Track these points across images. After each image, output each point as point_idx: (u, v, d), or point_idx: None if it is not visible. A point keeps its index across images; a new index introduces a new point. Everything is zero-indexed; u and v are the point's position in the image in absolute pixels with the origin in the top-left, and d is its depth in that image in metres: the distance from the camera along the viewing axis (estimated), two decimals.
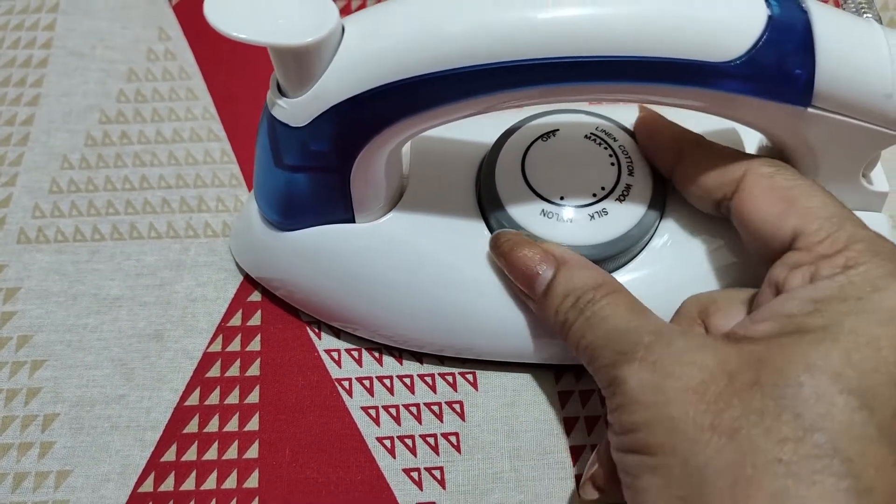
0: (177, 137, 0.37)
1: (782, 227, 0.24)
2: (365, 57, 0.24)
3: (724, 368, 0.21)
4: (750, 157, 0.26)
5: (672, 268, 0.29)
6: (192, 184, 0.36)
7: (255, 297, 0.33)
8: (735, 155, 0.26)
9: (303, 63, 0.24)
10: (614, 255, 0.28)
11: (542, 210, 0.28)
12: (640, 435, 0.22)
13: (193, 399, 0.30)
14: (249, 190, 0.36)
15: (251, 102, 0.38)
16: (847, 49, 0.23)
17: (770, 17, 0.23)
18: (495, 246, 0.28)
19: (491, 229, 0.29)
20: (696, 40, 0.23)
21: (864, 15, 0.30)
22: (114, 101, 0.38)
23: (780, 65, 0.23)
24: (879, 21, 0.30)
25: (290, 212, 0.29)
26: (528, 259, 0.26)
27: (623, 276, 0.28)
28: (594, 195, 0.28)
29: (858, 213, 0.28)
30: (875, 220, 0.28)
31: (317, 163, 0.27)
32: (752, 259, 0.27)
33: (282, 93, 0.25)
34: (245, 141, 0.37)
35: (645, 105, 0.29)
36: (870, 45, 0.24)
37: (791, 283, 0.23)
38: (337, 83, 0.24)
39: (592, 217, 0.28)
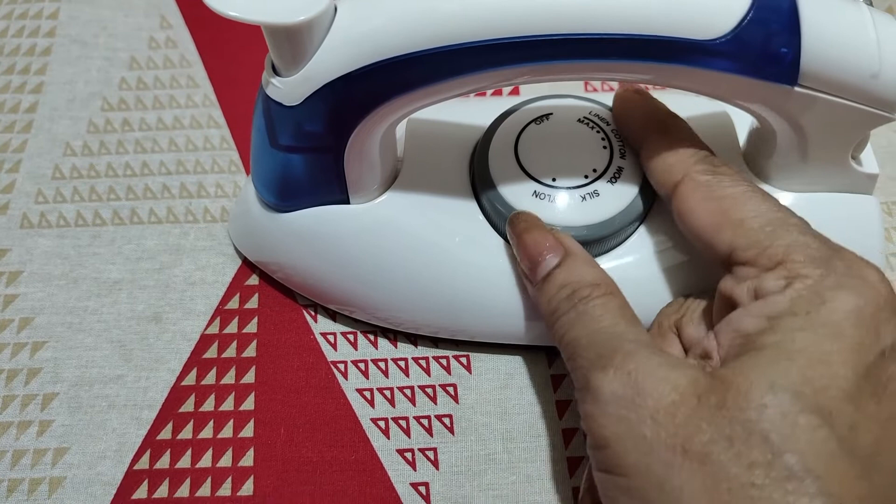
0: (177, 124, 0.38)
1: (717, 241, 0.24)
2: (357, 35, 0.24)
3: (693, 390, 0.21)
4: (696, 155, 0.26)
5: (661, 252, 0.29)
6: (192, 170, 0.37)
7: (253, 280, 0.34)
8: (683, 152, 0.26)
9: (295, 42, 0.24)
10: (605, 236, 0.28)
11: (535, 191, 0.29)
12: (610, 452, 0.22)
13: (190, 379, 0.31)
14: (248, 176, 0.36)
15: (251, 90, 0.38)
16: (833, 28, 0.24)
17: None
18: (512, 224, 0.28)
19: (483, 210, 0.30)
20: (682, 18, 0.23)
21: None
22: (116, 89, 0.39)
23: (765, 43, 0.23)
24: (869, 2, 0.30)
25: (285, 193, 0.30)
26: (537, 243, 0.27)
27: (611, 261, 0.29)
28: (586, 177, 0.29)
29: (849, 196, 0.28)
30: (865, 203, 0.28)
31: (311, 143, 0.27)
32: None
33: (276, 72, 0.26)
34: (244, 128, 0.38)
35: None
36: (856, 24, 0.24)
37: (740, 297, 0.23)
38: (329, 61, 0.25)
39: (584, 198, 0.28)
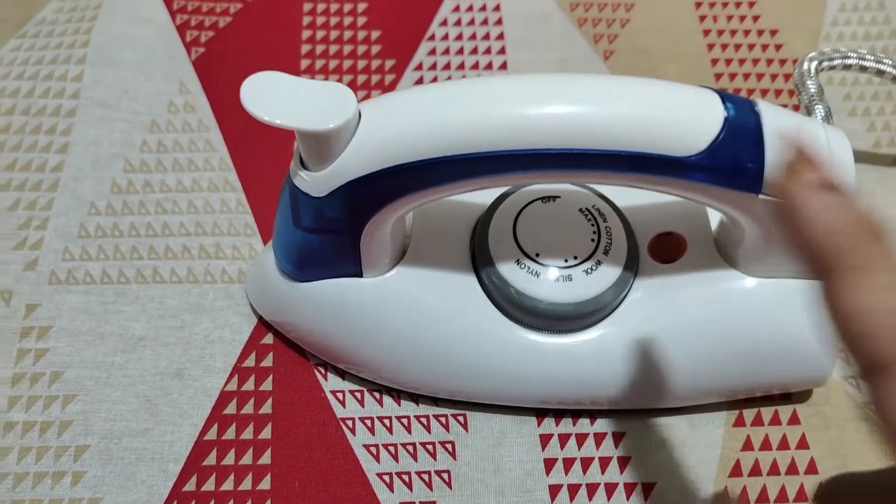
0: (196, 187, 0.41)
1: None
2: (377, 141, 0.28)
3: None
4: None
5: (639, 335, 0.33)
6: (210, 232, 0.40)
7: (268, 339, 0.37)
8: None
9: (323, 144, 0.28)
10: (573, 317, 0.32)
11: (526, 266, 0.32)
12: None
13: (211, 434, 0.34)
14: (263, 239, 0.40)
15: (265, 156, 0.42)
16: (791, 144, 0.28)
17: (727, 119, 0.27)
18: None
19: (481, 283, 0.34)
20: (665, 137, 0.27)
21: (816, 105, 0.34)
22: (137, 151, 0.42)
23: (735, 159, 0.28)
24: (829, 110, 0.35)
25: (303, 265, 0.33)
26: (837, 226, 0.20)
27: (592, 333, 0.33)
28: (565, 261, 0.33)
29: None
30: None
31: (331, 227, 0.31)
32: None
33: (304, 165, 0.29)
34: (259, 192, 0.41)
35: None
36: (812, 139, 0.28)
37: None
38: (353, 162, 0.28)
39: (557, 280, 0.32)
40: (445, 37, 0.48)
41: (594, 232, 0.33)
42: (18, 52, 0.45)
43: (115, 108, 0.44)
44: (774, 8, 0.50)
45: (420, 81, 0.46)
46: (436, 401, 0.36)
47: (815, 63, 0.35)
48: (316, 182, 0.29)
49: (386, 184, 0.29)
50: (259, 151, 0.42)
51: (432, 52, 0.47)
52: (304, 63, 0.46)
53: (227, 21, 0.48)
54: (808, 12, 0.50)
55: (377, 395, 0.36)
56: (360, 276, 0.33)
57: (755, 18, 0.50)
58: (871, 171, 0.44)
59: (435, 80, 0.46)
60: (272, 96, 0.27)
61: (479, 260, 0.34)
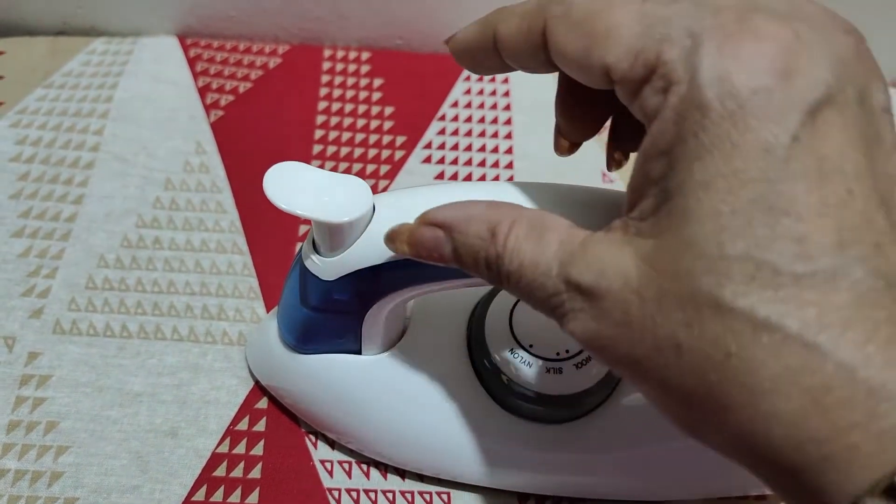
0: (204, 247, 0.43)
1: (591, 68, 0.22)
2: None
3: (632, 289, 0.21)
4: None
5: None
6: (215, 293, 0.42)
7: (262, 404, 0.38)
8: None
9: (338, 233, 0.30)
10: (562, 408, 0.34)
11: (519, 356, 0.34)
12: (620, 371, 0.22)
13: (200, 495, 0.35)
14: (266, 304, 0.42)
15: (274, 221, 0.44)
16: None
17: None
18: (395, 243, 0.28)
19: (475, 368, 0.35)
20: None
21: None
22: (150, 207, 0.44)
23: None
24: None
25: (305, 339, 0.35)
26: (426, 241, 0.26)
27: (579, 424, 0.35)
28: (557, 354, 0.34)
29: None
30: None
31: (337, 308, 0.33)
32: None
33: (316, 250, 0.31)
34: (266, 257, 0.43)
35: None
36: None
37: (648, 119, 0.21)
38: (364, 252, 0.30)
39: (549, 371, 0.34)
40: (456, 118, 0.51)
41: None
42: (43, 102, 0.48)
43: (133, 164, 0.46)
44: None
45: (429, 159, 0.48)
46: (421, 477, 0.37)
47: None
48: (326, 267, 0.31)
49: (393, 274, 0.31)
50: (268, 217, 0.44)
51: (442, 131, 0.50)
52: (318, 133, 0.49)
53: (248, 87, 0.50)
54: None
55: (365, 467, 0.37)
56: (359, 353, 0.35)
57: None
58: None
59: (443, 159, 0.48)
60: (293, 185, 0.29)
61: (474, 346, 0.35)
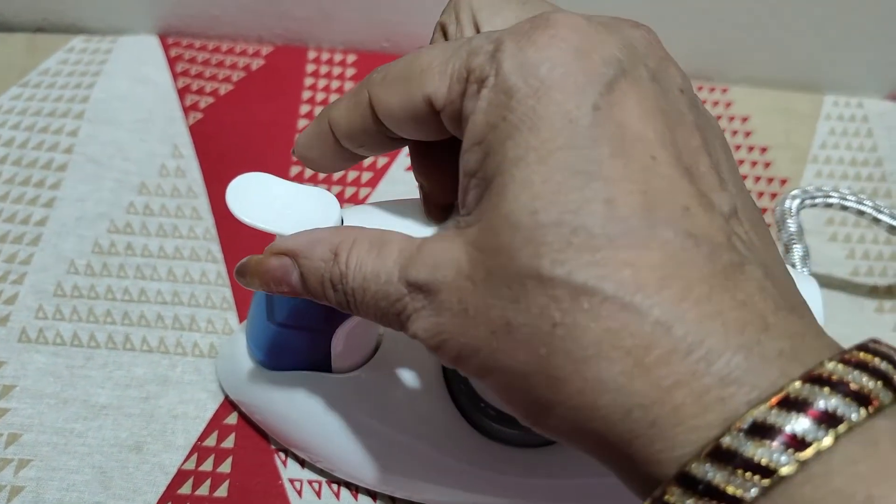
0: (177, 255, 0.42)
1: (413, 105, 0.23)
2: None
3: (463, 275, 0.21)
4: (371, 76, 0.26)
5: None
6: (187, 302, 0.41)
7: (232, 419, 0.38)
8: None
9: None
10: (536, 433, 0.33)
11: None
12: (462, 367, 0.22)
13: None
14: (239, 315, 0.41)
15: (250, 231, 0.43)
16: None
17: None
18: (244, 278, 0.28)
19: (449, 390, 0.34)
20: None
21: (794, 245, 0.36)
22: (123, 212, 0.44)
23: None
24: (806, 251, 0.36)
25: (274, 357, 0.34)
26: (273, 270, 0.27)
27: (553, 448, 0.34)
28: None
29: None
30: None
31: (304, 324, 0.32)
32: None
33: None
34: None
35: None
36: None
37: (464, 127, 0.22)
38: None
39: None
40: None
41: None
42: (18, 101, 0.47)
43: (107, 167, 0.45)
44: (767, 126, 0.52)
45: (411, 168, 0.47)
46: (393, 500, 0.36)
47: (797, 201, 0.37)
48: None
49: None
50: (244, 225, 0.43)
51: None
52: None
53: (229, 89, 0.49)
54: (799, 133, 0.53)
55: (335, 487, 0.36)
56: (329, 371, 0.34)
57: (747, 134, 0.52)
58: (847, 300, 0.45)
59: None
60: (258, 198, 0.29)
61: (449, 367, 0.34)
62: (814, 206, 0.38)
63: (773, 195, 0.49)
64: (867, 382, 0.18)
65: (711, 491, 0.17)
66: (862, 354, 0.18)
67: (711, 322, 0.18)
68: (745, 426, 0.17)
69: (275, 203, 0.29)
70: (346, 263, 0.24)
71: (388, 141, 0.26)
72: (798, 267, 0.37)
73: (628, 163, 0.20)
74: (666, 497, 0.18)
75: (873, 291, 0.45)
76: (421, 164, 0.28)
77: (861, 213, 0.39)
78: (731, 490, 0.17)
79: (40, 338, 0.39)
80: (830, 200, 0.38)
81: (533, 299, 0.20)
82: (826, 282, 0.45)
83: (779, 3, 0.50)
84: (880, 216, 0.38)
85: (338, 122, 0.26)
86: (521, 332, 0.20)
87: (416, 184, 0.28)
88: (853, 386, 0.17)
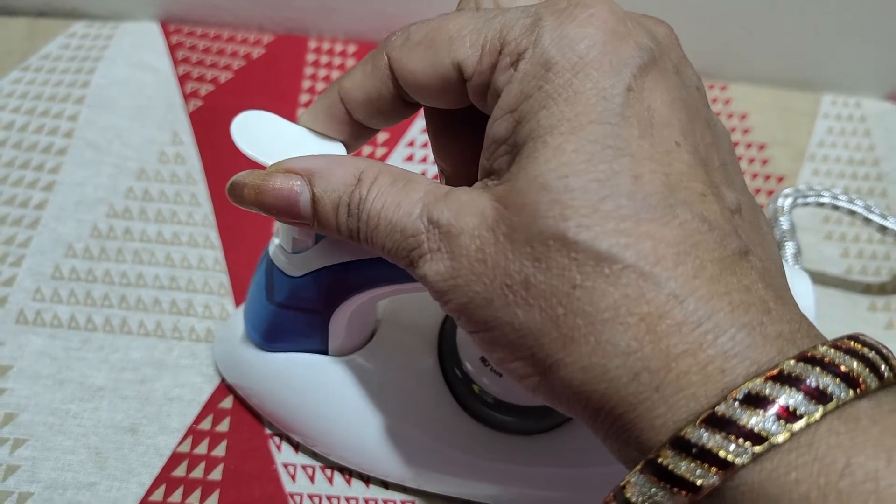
0: (175, 240, 0.43)
1: (441, 73, 0.24)
2: None
3: (487, 226, 0.22)
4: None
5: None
6: (184, 287, 0.41)
7: (227, 403, 0.38)
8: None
9: (304, 234, 0.30)
10: (530, 418, 0.34)
11: (490, 364, 0.34)
12: (467, 318, 0.23)
13: (158, 495, 0.35)
14: (236, 300, 0.41)
15: (249, 216, 0.44)
16: None
17: None
18: (239, 195, 0.27)
19: (445, 376, 0.35)
20: None
21: (786, 242, 0.37)
22: (122, 197, 0.44)
23: None
24: (798, 249, 0.37)
25: (271, 338, 0.35)
26: (278, 189, 0.25)
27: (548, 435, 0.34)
28: None
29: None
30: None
31: (303, 305, 0.32)
32: None
33: (283, 246, 0.31)
34: (238, 252, 0.43)
35: None
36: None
37: (491, 109, 0.23)
38: (330, 251, 0.30)
39: None
40: None
41: None
42: (19, 85, 0.47)
43: (106, 152, 0.46)
44: (765, 124, 0.53)
45: (411, 158, 0.48)
46: (386, 484, 0.37)
47: (789, 200, 0.38)
48: (293, 262, 0.31)
49: (362, 272, 0.30)
50: (243, 212, 0.44)
51: (424, 130, 0.49)
52: None
53: (229, 77, 0.50)
54: (797, 131, 0.53)
55: (328, 472, 0.37)
56: (326, 353, 0.35)
57: (745, 131, 0.53)
58: (841, 298, 0.46)
59: (425, 158, 0.48)
60: (262, 134, 0.28)
61: (445, 353, 0.35)
62: (806, 204, 0.39)
63: (770, 192, 0.50)
64: (856, 367, 0.19)
65: (704, 454, 0.18)
66: (852, 343, 0.20)
67: (720, 300, 0.20)
68: (741, 396, 0.18)
69: (280, 140, 0.28)
70: (368, 188, 0.24)
71: (402, 108, 0.26)
72: (790, 263, 0.37)
73: (655, 144, 0.21)
74: (660, 459, 0.19)
75: (867, 290, 0.46)
76: (440, 144, 0.28)
77: (852, 212, 0.39)
78: (722, 454, 0.18)
79: (38, 320, 0.40)
80: (822, 200, 0.39)
81: (555, 259, 0.20)
82: (820, 279, 0.46)
83: (779, 2, 0.51)
84: (871, 216, 0.39)
85: (351, 91, 0.26)
86: (538, 289, 0.21)
87: (419, 171, 0.29)
88: (843, 368, 0.19)
